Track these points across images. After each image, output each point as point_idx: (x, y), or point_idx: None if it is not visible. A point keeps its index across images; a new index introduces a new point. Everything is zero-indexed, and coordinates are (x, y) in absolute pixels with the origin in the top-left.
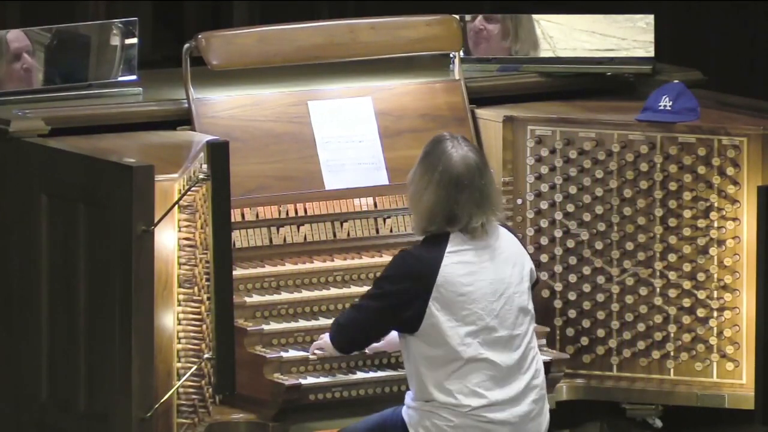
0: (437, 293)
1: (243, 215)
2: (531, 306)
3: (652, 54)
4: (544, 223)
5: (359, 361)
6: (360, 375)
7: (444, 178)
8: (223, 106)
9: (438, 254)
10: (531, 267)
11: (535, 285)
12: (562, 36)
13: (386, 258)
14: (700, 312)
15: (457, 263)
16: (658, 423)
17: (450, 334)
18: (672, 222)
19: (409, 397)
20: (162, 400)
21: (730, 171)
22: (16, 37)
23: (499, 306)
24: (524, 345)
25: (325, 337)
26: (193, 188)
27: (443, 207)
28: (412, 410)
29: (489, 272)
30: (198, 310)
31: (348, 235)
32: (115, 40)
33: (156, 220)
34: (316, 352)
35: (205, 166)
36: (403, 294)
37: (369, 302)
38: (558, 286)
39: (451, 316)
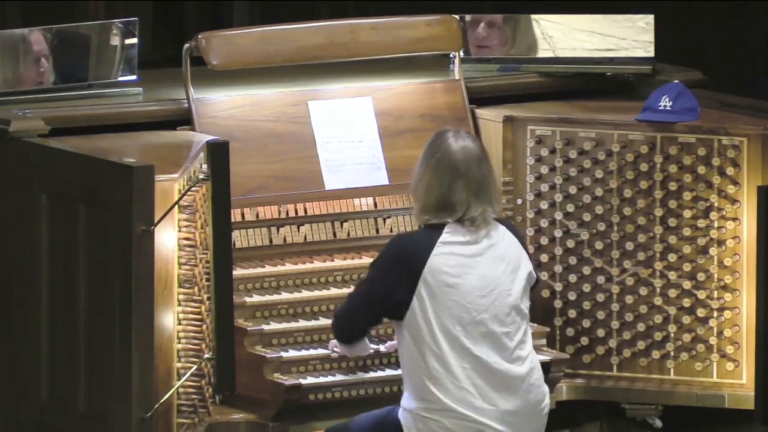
0: (425, 280)
1: (243, 215)
2: (525, 306)
3: (652, 54)
4: (544, 223)
5: (359, 361)
6: (360, 375)
7: (440, 164)
8: (223, 106)
9: (430, 241)
10: (530, 269)
11: (535, 286)
12: (562, 36)
13: None
14: (700, 312)
15: (448, 254)
16: (658, 423)
17: (435, 324)
18: (672, 222)
19: (404, 398)
20: (162, 400)
21: (730, 171)
22: (37, 39)
23: (488, 302)
24: (515, 343)
25: None
26: (193, 188)
27: (437, 194)
28: (407, 412)
29: (480, 267)
30: (198, 310)
31: (348, 235)
32: (115, 40)
33: (156, 220)
34: (336, 349)
35: (205, 166)
36: (390, 277)
37: (360, 289)
38: (558, 286)
39: (437, 305)
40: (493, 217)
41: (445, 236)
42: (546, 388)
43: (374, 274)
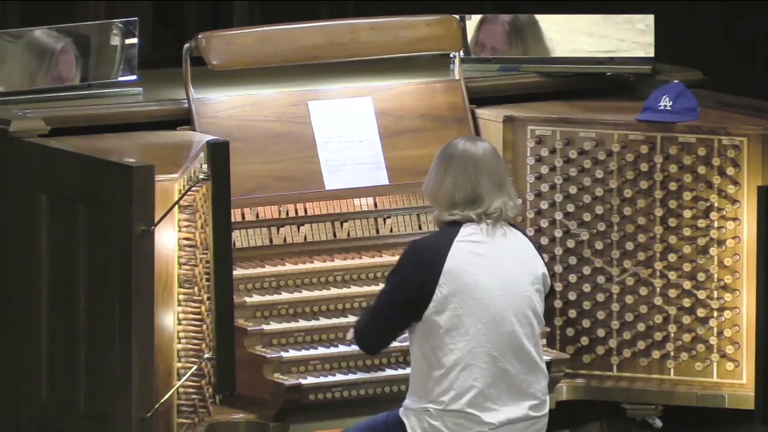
0: (445, 279)
1: (243, 215)
2: (540, 308)
3: (651, 55)
4: (544, 223)
5: (358, 361)
6: (360, 375)
7: (462, 161)
8: (223, 106)
9: (447, 241)
10: (544, 272)
11: (549, 294)
12: (561, 37)
13: (386, 258)
14: (700, 312)
15: (466, 252)
16: (658, 423)
17: (454, 321)
18: (672, 222)
19: (408, 398)
20: (162, 400)
21: (730, 171)
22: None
23: (507, 301)
24: (531, 345)
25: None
26: (193, 188)
27: (465, 188)
28: (410, 411)
29: (497, 266)
30: (198, 310)
31: (348, 235)
32: (115, 40)
33: (156, 220)
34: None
35: (205, 166)
36: (412, 282)
37: (382, 300)
38: (558, 286)
39: (457, 303)
40: (509, 218)
41: (462, 235)
42: (548, 396)
43: (394, 282)
